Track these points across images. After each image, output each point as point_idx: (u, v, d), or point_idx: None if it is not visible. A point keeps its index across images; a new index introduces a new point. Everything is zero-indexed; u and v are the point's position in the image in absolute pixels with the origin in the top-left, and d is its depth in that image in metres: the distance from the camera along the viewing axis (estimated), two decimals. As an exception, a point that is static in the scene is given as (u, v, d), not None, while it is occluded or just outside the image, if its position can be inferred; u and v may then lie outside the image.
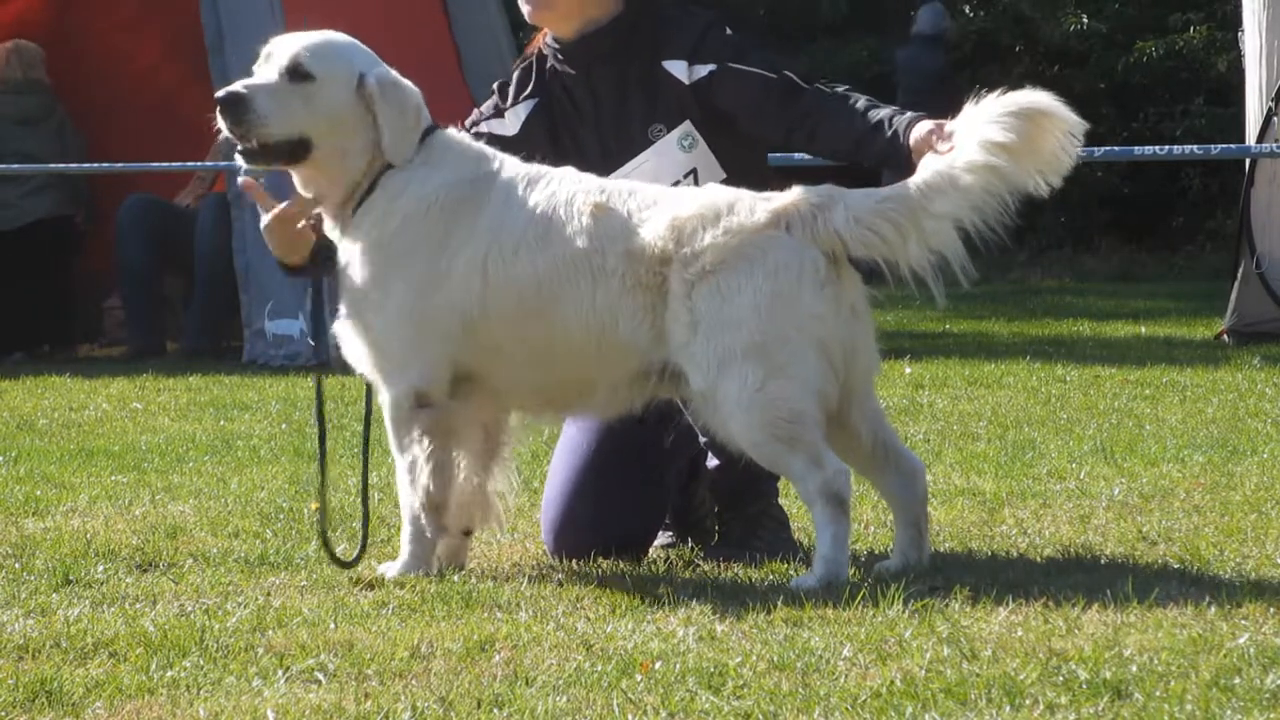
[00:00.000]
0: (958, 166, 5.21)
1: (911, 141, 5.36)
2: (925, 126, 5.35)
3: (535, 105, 5.89)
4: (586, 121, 5.85)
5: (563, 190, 5.40)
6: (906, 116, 5.42)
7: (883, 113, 5.49)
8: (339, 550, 5.82)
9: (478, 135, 5.84)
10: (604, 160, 5.77)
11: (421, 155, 5.50)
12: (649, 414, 5.51)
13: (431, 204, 5.42)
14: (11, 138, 14.04)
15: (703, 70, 5.72)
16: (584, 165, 5.70)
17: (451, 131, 5.62)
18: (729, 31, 5.78)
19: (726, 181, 5.60)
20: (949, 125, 5.29)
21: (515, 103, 5.91)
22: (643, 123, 5.77)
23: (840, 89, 5.62)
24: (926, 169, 5.26)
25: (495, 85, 6.00)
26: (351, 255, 5.49)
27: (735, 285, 5.23)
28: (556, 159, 5.72)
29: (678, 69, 5.74)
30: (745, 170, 5.68)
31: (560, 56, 5.86)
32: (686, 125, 5.75)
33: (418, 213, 5.42)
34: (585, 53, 5.82)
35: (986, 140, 5.18)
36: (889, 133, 5.43)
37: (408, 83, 5.56)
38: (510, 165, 5.50)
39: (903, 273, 5.26)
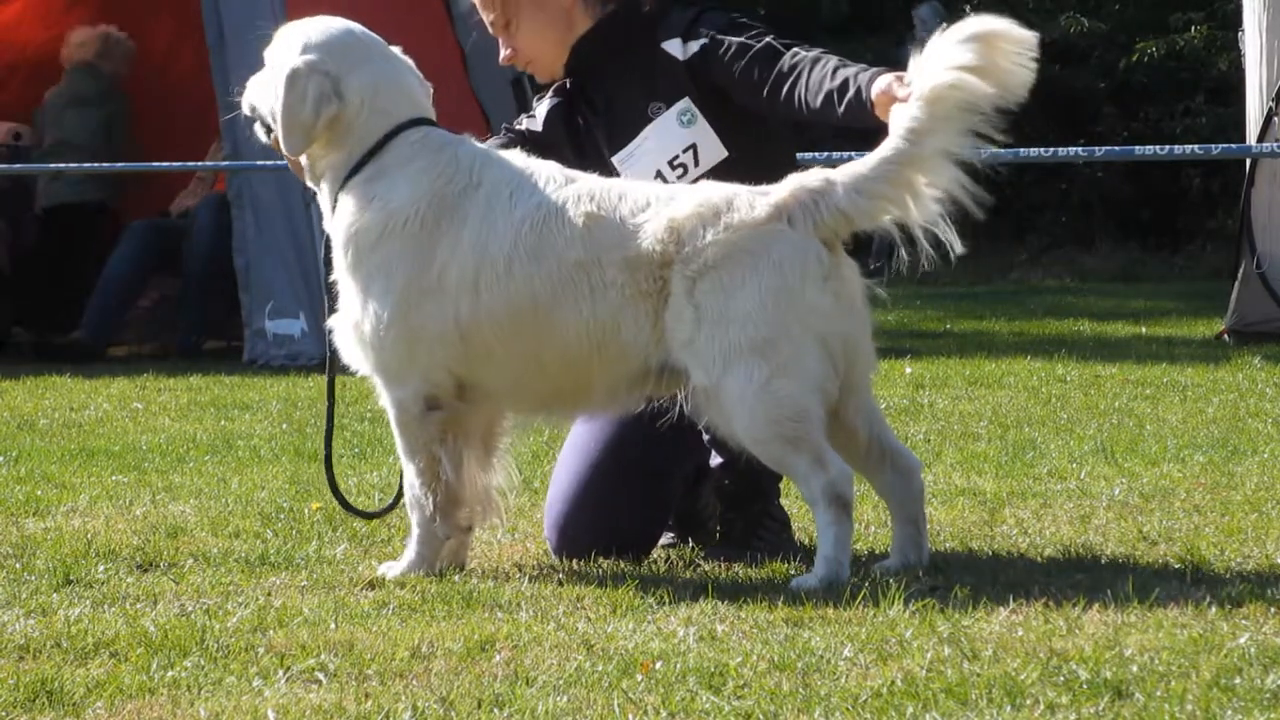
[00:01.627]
0: (927, 95, 5.18)
1: (874, 95, 5.35)
2: (885, 79, 5.34)
3: (556, 104, 5.98)
4: (598, 113, 5.90)
5: (550, 198, 5.36)
6: (870, 72, 5.42)
7: (849, 70, 5.48)
8: (340, 550, 5.83)
9: (518, 132, 5.96)
10: (611, 147, 5.84)
11: (384, 161, 5.45)
12: (657, 416, 5.50)
13: (409, 218, 5.36)
14: (61, 119, 14.14)
15: (695, 45, 5.77)
16: (596, 155, 5.82)
17: (427, 133, 5.50)
18: (721, 12, 5.84)
19: (732, 159, 5.63)
20: (907, 75, 5.28)
21: (541, 100, 6.04)
22: (644, 104, 5.81)
23: (815, 51, 5.64)
24: (903, 115, 5.23)
25: (537, 97, 6.15)
26: (336, 267, 5.50)
27: (738, 280, 5.22)
28: (575, 153, 5.84)
29: (673, 47, 5.80)
30: (754, 149, 5.69)
31: (568, 74, 5.93)
32: (685, 102, 5.78)
33: (394, 228, 5.37)
34: (580, 64, 5.89)
35: (947, 63, 5.17)
36: (853, 90, 5.42)
37: (329, 71, 5.44)
38: (491, 171, 5.43)
39: (914, 229, 5.24)
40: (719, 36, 5.73)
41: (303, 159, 5.56)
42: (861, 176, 5.23)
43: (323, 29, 5.54)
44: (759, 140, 5.80)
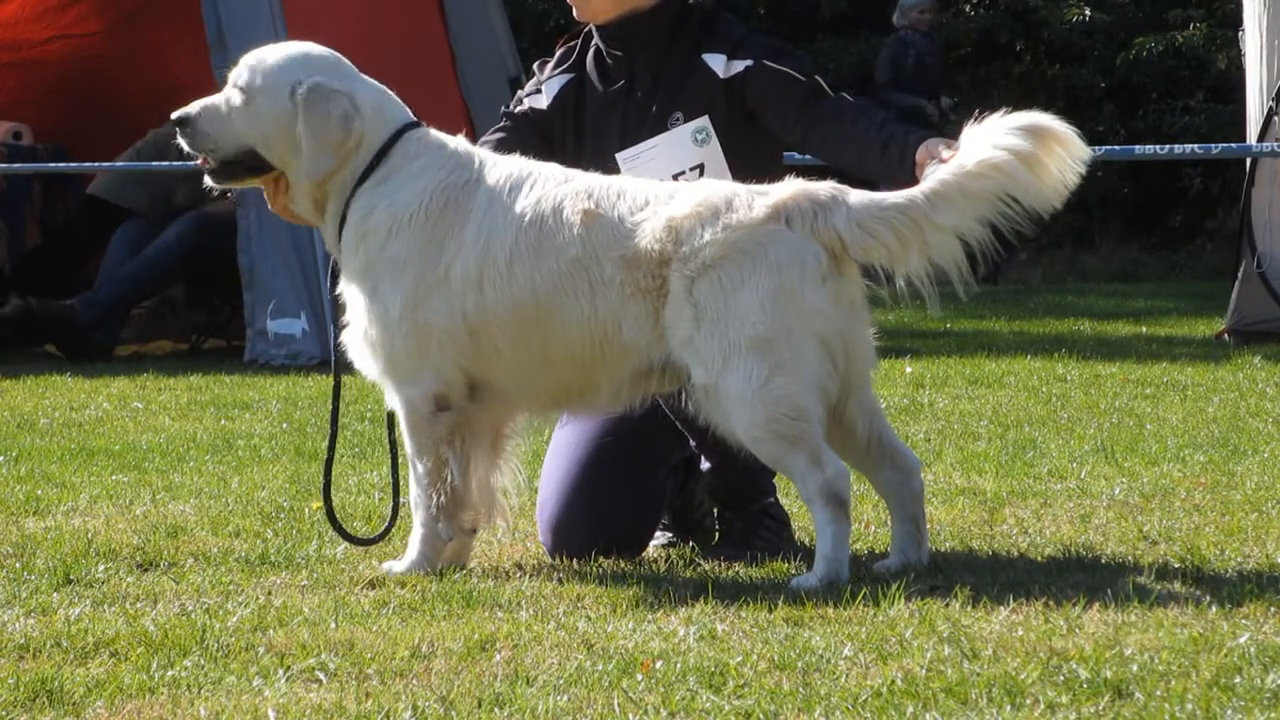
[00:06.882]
0: (968, 169, 5.19)
1: (917, 157, 5.37)
2: (934, 141, 5.37)
3: (569, 80, 5.95)
4: (614, 103, 5.88)
5: (549, 195, 5.38)
6: (917, 134, 5.44)
7: (896, 126, 5.52)
8: (340, 549, 5.84)
9: (519, 112, 5.93)
10: (620, 142, 5.83)
11: (390, 163, 5.47)
12: (640, 411, 5.51)
13: (415, 212, 5.40)
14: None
15: (739, 65, 5.77)
16: (600, 145, 5.81)
17: (425, 133, 5.55)
18: (770, 36, 5.89)
19: None
20: (956, 141, 5.30)
21: (550, 77, 5.97)
22: (665, 110, 5.81)
23: (862, 100, 5.72)
24: (934, 177, 5.24)
25: (537, 63, 6.06)
26: (346, 274, 5.51)
27: (738, 279, 5.23)
28: (577, 136, 5.83)
29: (716, 62, 5.80)
30: (754, 180, 5.69)
31: (605, 38, 5.90)
32: (704, 120, 5.78)
33: (401, 223, 5.40)
34: (628, 37, 5.87)
35: (997, 143, 5.18)
36: (897, 145, 5.45)
37: (339, 89, 5.47)
38: (491, 168, 5.47)
39: (898, 280, 5.26)
40: (765, 61, 5.74)
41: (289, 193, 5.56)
42: (868, 210, 5.23)
43: (306, 51, 5.56)
44: (759, 166, 5.77)
